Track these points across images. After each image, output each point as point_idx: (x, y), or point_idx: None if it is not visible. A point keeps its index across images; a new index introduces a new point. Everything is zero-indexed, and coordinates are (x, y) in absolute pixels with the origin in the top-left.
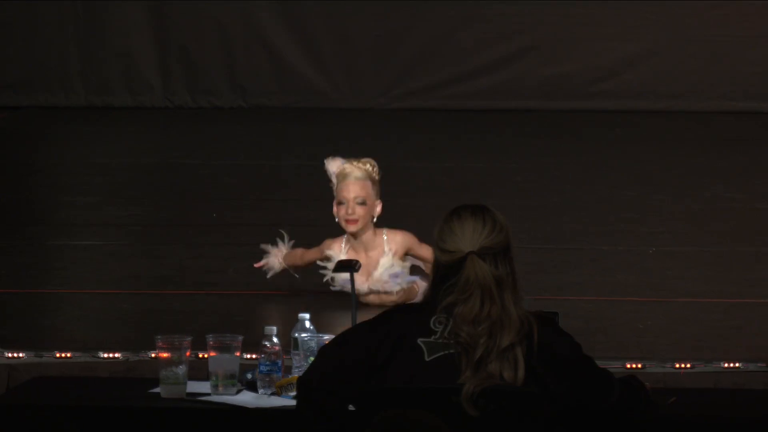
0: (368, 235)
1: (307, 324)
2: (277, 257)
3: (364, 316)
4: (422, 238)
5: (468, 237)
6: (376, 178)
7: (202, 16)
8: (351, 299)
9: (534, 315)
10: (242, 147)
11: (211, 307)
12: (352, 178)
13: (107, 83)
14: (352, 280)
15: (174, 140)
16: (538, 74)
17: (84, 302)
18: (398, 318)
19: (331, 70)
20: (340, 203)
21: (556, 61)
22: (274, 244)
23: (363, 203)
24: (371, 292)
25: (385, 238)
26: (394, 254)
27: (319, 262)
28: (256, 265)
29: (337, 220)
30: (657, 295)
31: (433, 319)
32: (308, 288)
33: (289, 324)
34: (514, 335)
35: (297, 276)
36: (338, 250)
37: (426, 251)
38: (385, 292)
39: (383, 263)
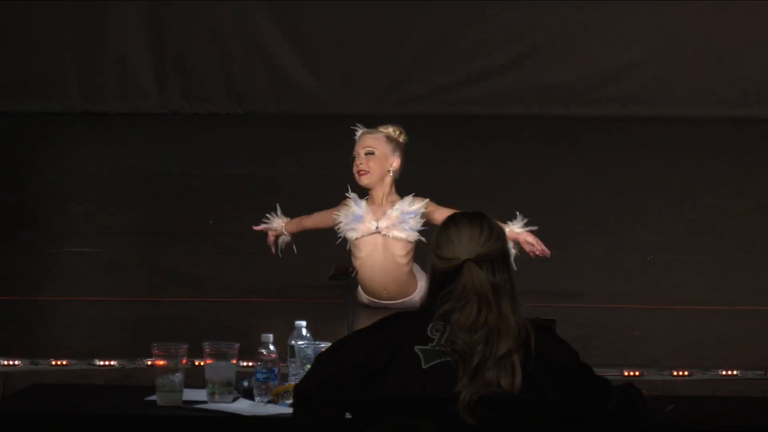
0: (386, 193)
1: (304, 331)
2: (278, 222)
3: (360, 324)
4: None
5: (465, 244)
6: (397, 138)
7: (198, 22)
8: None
9: (531, 322)
10: (238, 153)
11: (207, 314)
12: (363, 133)
13: (103, 89)
14: (348, 288)
15: (170, 147)
16: (537, 80)
17: (80, 310)
18: (395, 325)
19: (327, 76)
20: (353, 159)
21: (554, 68)
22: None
23: (372, 153)
24: (378, 231)
25: (408, 199)
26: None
27: (335, 214)
28: (255, 228)
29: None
30: (655, 302)
31: (430, 327)
32: (305, 296)
33: (286, 331)
34: (511, 342)
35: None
36: (357, 202)
37: (441, 214)
38: (392, 236)
39: (401, 203)
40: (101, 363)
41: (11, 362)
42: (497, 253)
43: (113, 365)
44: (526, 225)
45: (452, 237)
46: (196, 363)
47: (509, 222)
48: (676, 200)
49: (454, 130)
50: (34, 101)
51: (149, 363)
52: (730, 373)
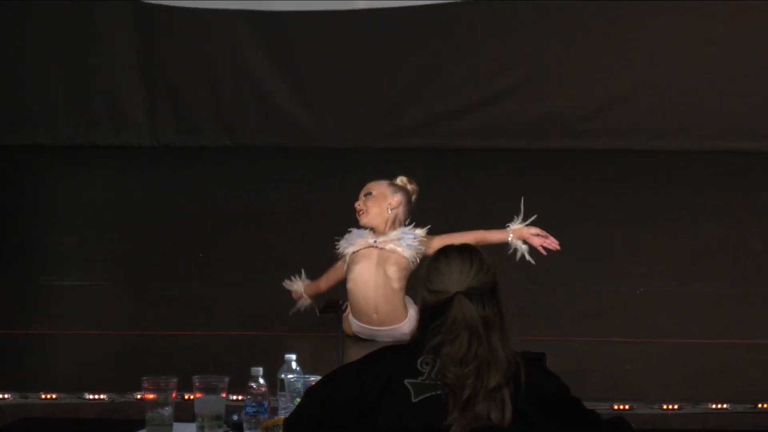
0: (387, 232)
1: (294, 365)
2: (298, 285)
3: (350, 357)
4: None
5: (455, 277)
6: (403, 186)
7: (189, 54)
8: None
9: (521, 356)
10: (229, 186)
11: (197, 347)
12: (370, 182)
13: (93, 122)
14: (339, 322)
15: (160, 179)
16: (527, 113)
17: (70, 343)
18: (386, 359)
19: (318, 108)
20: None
21: (544, 100)
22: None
23: (369, 194)
24: (376, 245)
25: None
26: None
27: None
28: (283, 284)
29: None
30: (645, 335)
31: (420, 360)
32: (295, 329)
33: (276, 365)
34: (501, 376)
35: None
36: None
37: (438, 242)
38: (388, 249)
39: (402, 227)
40: (91, 397)
41: (1, 395)
42: (487, 286)
43: (103, 399)
44: (524, 221)
45: (442, 270)
46: (186, 397)
47: (509, 224)
48: (667, 233)
49: (444, 162)
50: (25, 133)
51: (139, 397)
52: (719, 406)
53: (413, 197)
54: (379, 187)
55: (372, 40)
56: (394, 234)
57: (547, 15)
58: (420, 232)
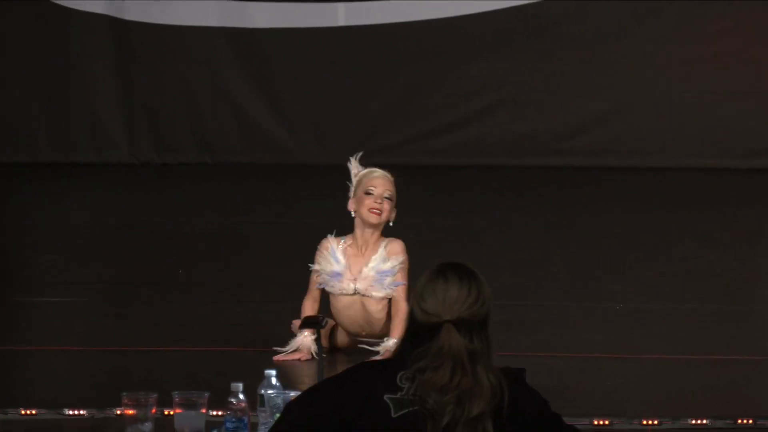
0: (374, 236)
1: (274, 380)
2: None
3: (330, 372)
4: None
5: (449, 304)
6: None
7: (168, 73)
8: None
9: (502, 371)
10: (208, 204)
11: (177, 363)
12: (381, 174)
13: (72, 140)
14: (318, 338)
15: (139, 197)
16: (506, 131)
17: (49, 359)
18: (365, 374)
19: (297, 126)
20: (367, 193)
21: (524, 118)
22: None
23: (389, 198)
24: (357, 293)
25: (383, 244)
26: (388, 253)
27: (310, 266)
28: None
29: (353, 214)
30: (625, 352)
31: (399, 376)
32: (275, 344)
33: (256, 380)
34: (484, 405)
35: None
36: (336, 244)
37: (401, 276)
38: (369, 296)
39: (375, 258)
40: (71, 413)
41: None
42: (478, 317)
43: (83, 415)
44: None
45: (438, 292)
46: (166, 412)
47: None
48: (647, 250)
49: (422, 180)
50: (3, 152)
51: (119, 412)
52: (699, 422)
53: None
54: (394, 192)
55: (352, 62)
56: (371, 275)
57: (526, 35)
58: (394, 263)
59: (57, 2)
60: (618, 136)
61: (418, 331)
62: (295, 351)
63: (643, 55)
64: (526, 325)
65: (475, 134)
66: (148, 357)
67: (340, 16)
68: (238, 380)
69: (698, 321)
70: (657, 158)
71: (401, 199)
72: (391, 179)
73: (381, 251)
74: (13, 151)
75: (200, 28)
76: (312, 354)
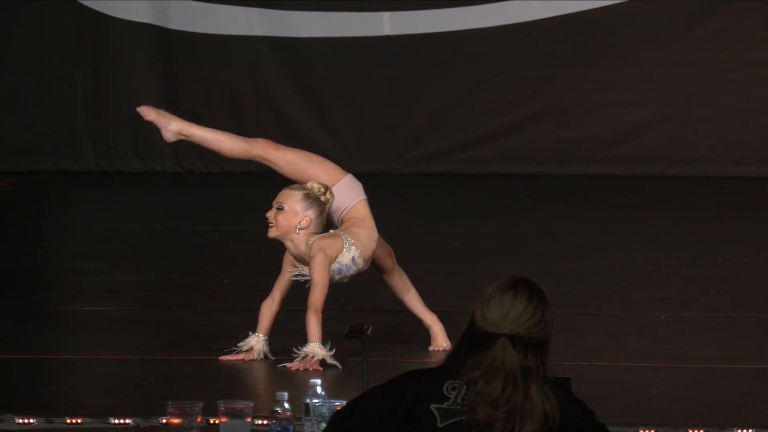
0: (298, 248)
1: (319, 390)
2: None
3: (375, 381)
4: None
5: (511, 318)
6: (318, 198)
7: (212, 81)
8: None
9: (550, 385)
10: (253, 212)
11: (222, 372)
12: (285, 188)
13: (117, 148)
14: (364, 348)
15: (184, 205)
16: (551, 139)
17: (94, 368)
18: (411, 383)
19: (342, 135)
20: None
21: (568, 126)
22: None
23: (281, 209)
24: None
25: (311, 242)
26: (356, 249)
27: (289, 273)
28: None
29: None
30: (670, 360)
31: (446, 385)
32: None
33: (301, 390)
34: (536, 427)
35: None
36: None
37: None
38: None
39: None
40: (116, 421)
41: (26, 420)
42: (536, 339)
43: (128, 423)
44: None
45: (505, 303)
46: (211, 421)
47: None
48: (692, 258)
49: (466, 189)
50: (48, 161)
51: (164, 421)
52: (745, 431)
53: (328, 207)
54: (291, 201)
55: (397, 66)
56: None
57: (571, 43)
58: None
59: (102, 11)
60: (663, 144)
61: (474, 335)
62: (248, 351)
63: (689, 63)
64: (570, 333)
65: (519, 142)
66: (193, 365)
67: (386, 26)
68: (283, 389)
69: (743, 329)
70: (702, 167)
71: (444, 207)
72: (298, 189)
73: (351, 249)
74: (58, 159)
75: (244, 38)
76: (264, 355)
